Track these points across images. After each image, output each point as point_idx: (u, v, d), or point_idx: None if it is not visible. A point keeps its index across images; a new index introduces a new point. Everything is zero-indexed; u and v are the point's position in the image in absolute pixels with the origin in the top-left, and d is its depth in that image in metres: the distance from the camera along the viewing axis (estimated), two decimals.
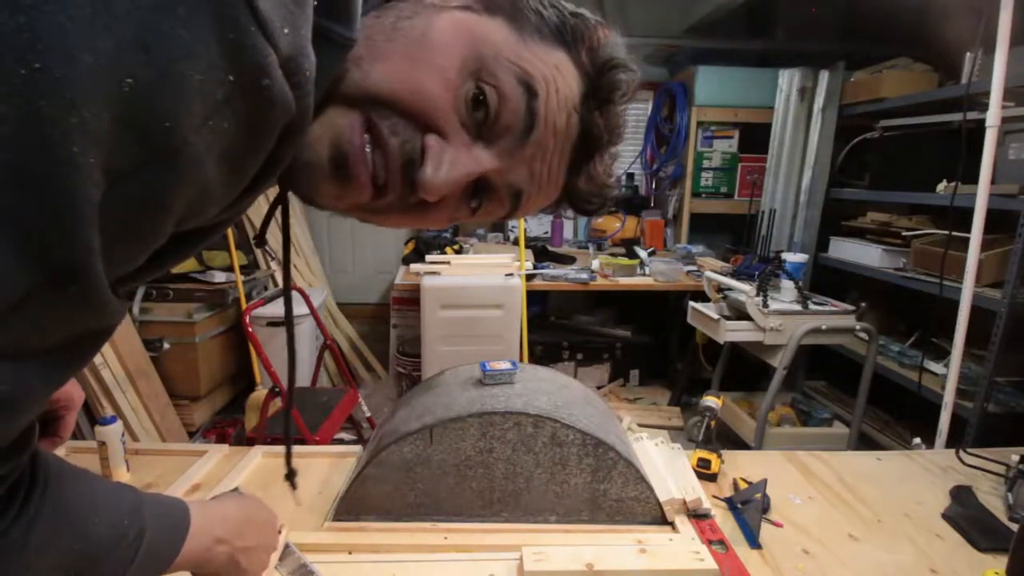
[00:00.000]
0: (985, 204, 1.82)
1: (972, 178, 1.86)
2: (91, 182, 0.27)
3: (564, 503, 0.91)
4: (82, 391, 0.66)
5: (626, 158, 3.73)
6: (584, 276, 2.87)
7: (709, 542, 0.86)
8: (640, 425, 1.30)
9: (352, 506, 0.90)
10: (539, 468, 0.89)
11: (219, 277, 2.71)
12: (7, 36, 0.24)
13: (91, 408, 2.15)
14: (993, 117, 1.75)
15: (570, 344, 3.27)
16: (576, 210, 0.54)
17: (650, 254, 3.23)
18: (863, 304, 2.34)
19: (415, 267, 2.67)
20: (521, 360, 2.40)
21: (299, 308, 2.16)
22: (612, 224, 3.66)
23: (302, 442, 1.91)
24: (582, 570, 0.77)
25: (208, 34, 0.28)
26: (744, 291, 2.32)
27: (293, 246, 3.22)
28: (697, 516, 0.92)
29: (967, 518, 0.95)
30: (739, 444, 2.49)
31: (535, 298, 3.20)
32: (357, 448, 1.13)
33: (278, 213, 0.52)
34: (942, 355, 2.30)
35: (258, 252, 3.07)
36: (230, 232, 2.77)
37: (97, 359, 2.16)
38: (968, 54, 2.26)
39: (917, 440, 1.90)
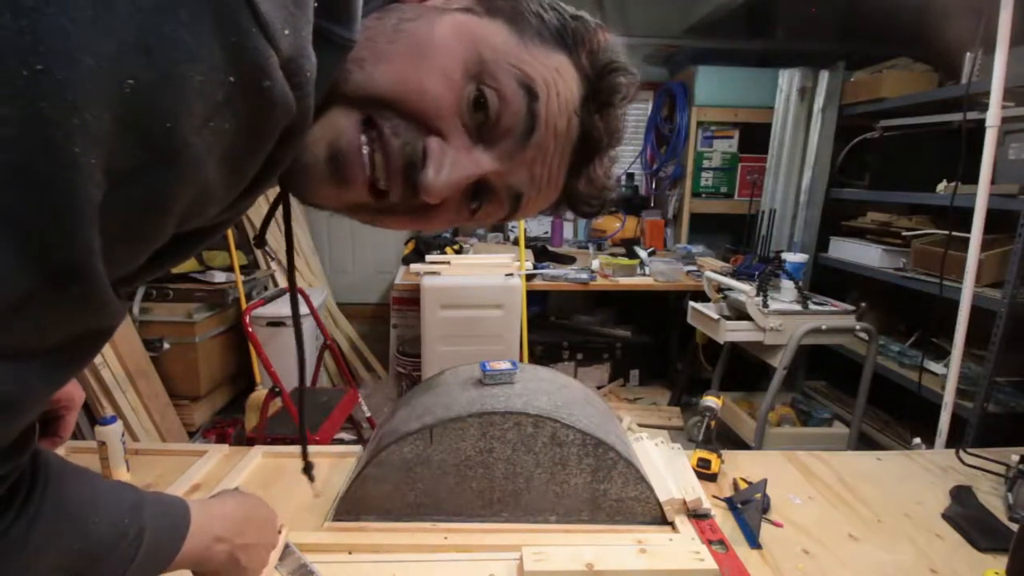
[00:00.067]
0: (985, 204, 1.82)
1: (972, 178, 1.86)
2: (93, 183, 0.27)
3: (564, 503, 0.91)
4: (82, 391, 0.66)
5: (626, 158, 3.74)
6: (584, 276, 2.87)
7: (709, 542, 0.86)
8: (640, 425, 1.31)
9: (352, 506, 0.90)
10: (539, 468, 0.89)
11: (219, 277, 2.71)
12: (9, 38, 0.24)
13: (91, 408, 2.15)
14: (993, 117, 1.75)
15: (570, 344, 3.27)
16: (575, 212, 0.54)
17: (650, 254, 3.24)
18: (863, 304, 2.34)
19: (415, 267, 2.67)
20: (521, 360, 2.40)
21: (299, 308, 2.15)
22: (612, 224, 3.66)
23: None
24: (582, 570, 0.77)
25: (209, 36, 0.28)
26: (744, 291, 2.32)
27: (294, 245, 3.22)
28: (697, 516, 0.92)
29: (967, 518, 0.95)
30: (739, 444, 2.49)
31: (535, 298, 3.20)
32: (357, 448, 1.13)
33: (278, 213, 0.52)
34: (942, 355, 2.30)
35: (258, 252, 3.07)
36: (230, 232, 2.77)
37: (97, 359, 2.16)
38: (968, 54, 2.26)
39: (917, 440, 1.90)
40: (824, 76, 3.01)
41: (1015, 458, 1.05)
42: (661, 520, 0.92)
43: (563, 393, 0.95)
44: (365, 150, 0.42)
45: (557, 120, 0.45)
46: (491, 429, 0.87)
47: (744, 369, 2.83)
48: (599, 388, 3.27)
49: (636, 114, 3.66)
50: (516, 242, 2.99)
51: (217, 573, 0.61)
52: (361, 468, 0.90)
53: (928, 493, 1.04)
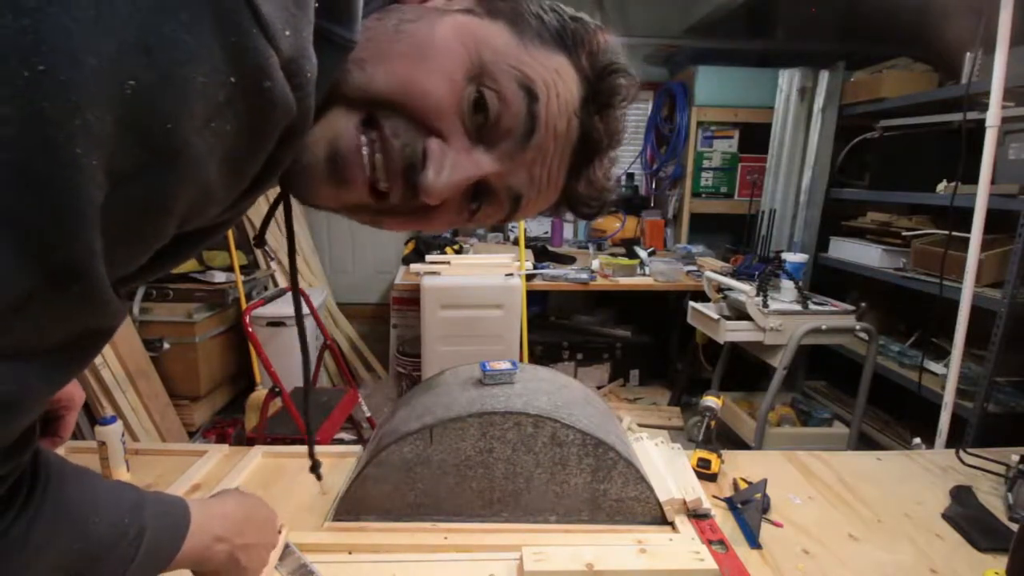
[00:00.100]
0: (985, 204, 1.82)
1: (972, 178, 1.86)
2: (94, 184, 0.27)
3: (564, 503, 0.91)
4: (82, 391, 0.66)
5: (626, 158, 3.74)
6: (584, 276, 2.87)
7: (709, 542, 0.86)
8: (640, 425, 1.31)
9: (352, 506, 0.90)
10: (539, 468, 0.89)
11: (219, 277, 2.71)
12: (11, 38, 0.24)
13: (91, 408, 2.15)
14: (993, 117, 1.75)
15: (570, 344, 3.27)
16: (575, 213, 0.54)
17: (650, 254, 3.24)
18: (863, 304, 2.34)
19: (415, 267, 2.67)
20: (521, 360, 2.41)
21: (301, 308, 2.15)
22: (612, 224, 3.66)
23: (302, 442, 1.91)
24: (582, 570, 0.77)
25: (210, 36, 0.28)
26: (744, 291, 2.32)
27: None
28: (697, 516, 0.92)
29: (967, 518, 0.95)
30: (739, 444, 2.49)
31: (535, 298, 3.20)
32: (357, 448, 1.13)
33: (278, 214, 0.52)
34: (942, 355, 2.30)
35: (258, 252, 3.07)
36: (230, 232, 2.77)
37: (97, 359, 2.16)
38: (968, 54, 2.26)
39: (917, 440, 1.90)
40: (824, 76, 3.01)
41: (1015, 458, 1.05)
42: (661, 520, 0.92)
43: (563, 393, 0.95)
44: (365, 151, 0.42)
45: (557, 121, 0.45)
46: (491, 429, 0.87)
47: (744, 369, 2.83)
48: (599, 388, 3.27)
49: (636, 114, 3.66)
50: (516, 242, 3.00)
51: (217, 573, 0.61)
52: (361, 468, 0.90)
53: (928, 493, 1.04)
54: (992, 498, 1.03)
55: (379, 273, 3.84)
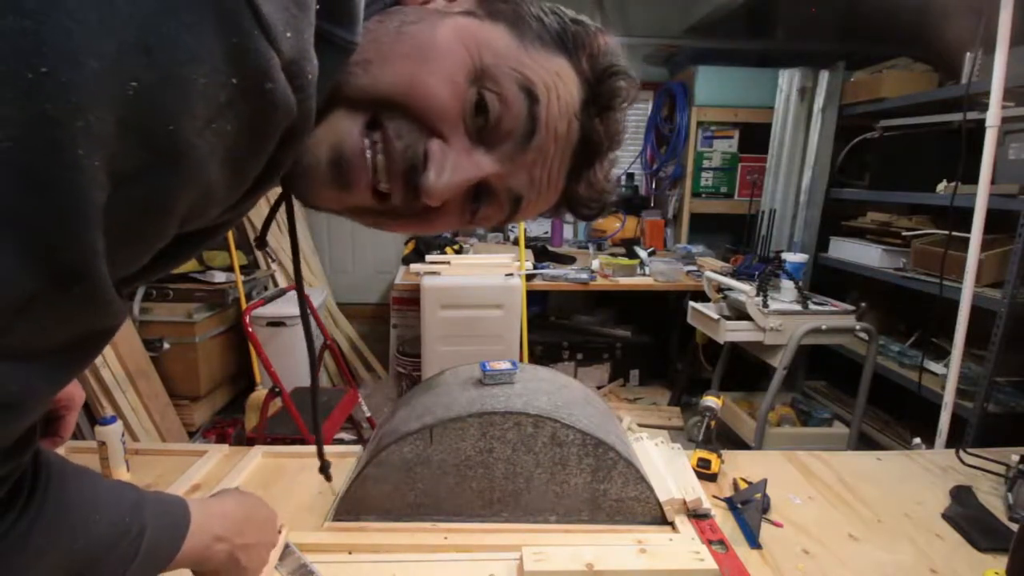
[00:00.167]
0: (985, 204, 1.82)
1: (972, 178, 1.86)
2: (96, 185, 0.27)
3: (564, 503, 0.91)
4: (82, 391, 0.66)
5: (626, 158, 3.74)
6: (584, 276, 2.87)
7: (709, 542, 0.86)
8: (640, 425, 1.31)
9: (352, 506, 0.90)
10: (539, 468, 0.89)
11: (219, 277, 2.71)
12: (14, 40, 0.24)
13: (91, 408, 2.16)
14: (993, 117, 1.75)
15: (570, 344, 3.27)
16: (575, 215, 0.54)
17: (650, 254, 3.24)
18: (863, 304, 2.34)
19: (415, 267, 2.67)
20: (521, 360, 2.41)
21: (298, 308, 2.15)
22: (612, 224, 3.66)
23: (302, 442, 1.91)
24: (582, 570, 0.77)
25: (211, 38, 0.28)
26: (744, 291, 2.32)
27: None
28: (697, 516, 0.92)
29: (967, 518, 0.95)
30: (739, 444, 2.49)
31: (535, 298, 3.20)
32: (357, 448, 1.13)
33: (279, 215, 0.53)
34: (942, 355, 2.30)
35: (258, 252, 3.07)
36: (230, 232, 2.77)
37: (97, 359, 2.16)
38: (968, 54, 2.26)
39: (917, 440, 1.90)
40: (824, 76, 3.01)
41: (1015, 458, 1.05)
42: (661, 520, 0.92)
43: (563, 393, 0.95)
44: (368, 153, 0.42)
45: (557, 123, 0.46)
46: (491, 429, 0.88)
47: (744, 369, 2.83)
48: (599, 388, 3.27)
49: (636, 114, 3.66)
50: (516, 242, 3.00)
51: (217, 572, 0.61)
52: (361, 468, 0.90)
53: (928, 493, 1.04)
54: (992, 498, 1.03)
55: (379, 273, 3.84)
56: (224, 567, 0.61)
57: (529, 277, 2.75)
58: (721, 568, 0.80)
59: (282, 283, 3.19)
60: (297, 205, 0.50)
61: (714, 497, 1.00)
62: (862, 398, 2.41)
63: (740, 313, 2.39)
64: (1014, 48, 1.71)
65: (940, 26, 2.31)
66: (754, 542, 0.89)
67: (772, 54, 3.26)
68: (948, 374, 1.95)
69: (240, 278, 2.75)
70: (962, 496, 1.01)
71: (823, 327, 2.24)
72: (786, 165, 3.17)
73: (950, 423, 1.93)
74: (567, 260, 3.22)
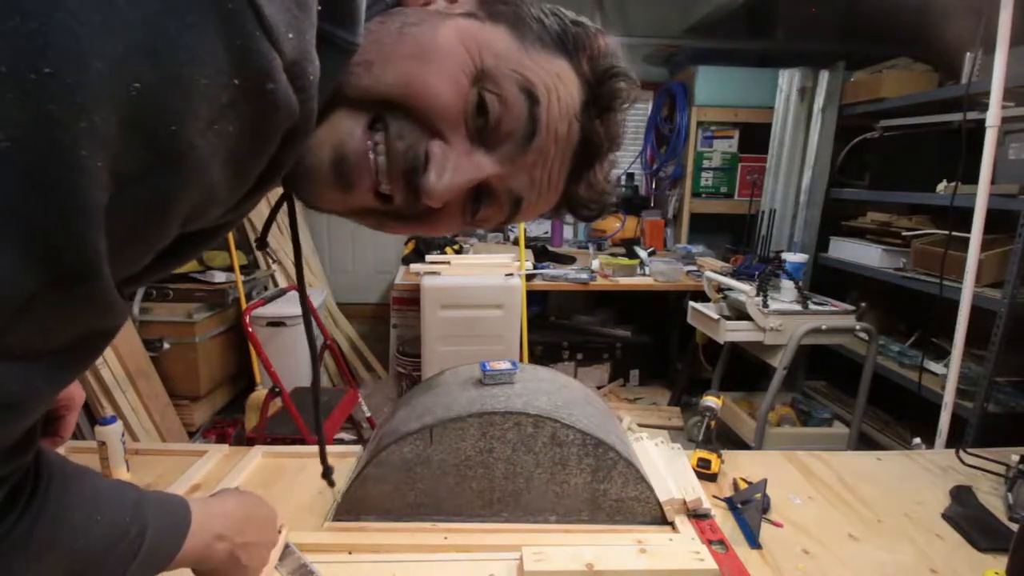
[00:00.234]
0: (985, 204, 1.82)
1: (972, 178, 1.86)
2: (99, 185, 0.27)
3: (564, 503, 0.91)
4: (83, 391, 0.66)
5: (626, 158, 3.74)
6: (584, 276, 2.87)
7: (709, 542, 0.86)
8: (640, 425, 1.31)
9: (352, 506, 0.90)
10: (539, 468, 0.89)
11: (219, 277, 2.71)
12: (18, 40, 0.24)
13: (91, 408, 2.16)
14: (993, 117, 1.75)
15: (570, 344, 3.27)
16: (575, 216, 0.55)
17: (650, 254, 3.24)
18: (863, 304, 2.34)
19: (415, 267, 2.67)
20: (521, 360, 2.41)
21: (299, 308, 2.15)
22: (612, 224, 3.66)
23: (302, 442, 1.91)
24: (582, 570, 0.77)
25: (214, 39, 0.28)
26: (744, 291, 2.32)
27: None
28: (697, 516, 0.92)
29: (967, 518, 0.95)
30: (739, 444, 2.50)
31: (535, 298, 3.20)
32: (357, 448, 1.13)
33: (280, 217, 0.53)
34: (942, 355, 2.30)
35: (258, 252, 3.07)
36: (230, 232, 2.77)
37: (97, 359, 2.16)
38: (968, 54, 2.26)
39: (917, 440, 1.90)
40: (824, 76, 3.01)
41: (1015, 458, 1.05)
42: (661, 520, 0.92)
43: (563, 393, 0.96)
44: (371, 155, 0.42)
45: (558, 125, 0.46)
46: (491, 429, 0.88)
47: (744, 369, 2.83)
48: (599, 388, 3.27)
49: (636, 114, 3.66)
50: (516, 242, 3.00)
51: (217, 571, 0.61)
52: (361, 468, 0.90)
53: (928, 493, 1.04)
54: (992, 498, 1.03)
55: (379, 273, 3.84)
56: (225, 566, 0.61)
57: (529, 277, 2.75)
58: (721, 568, 0.80)
59: (282, 283, 3.19)
60: (298, 205, 0.50)
61: (714, 497, 1.00)
62: (862, 398, 2.41)
63: (740, 313, 2.39)
64: (1014, 48, 1.71)
65: (940, 26, 2.31)
66: (754, 542, 0.89)
67: (772, 54, 3.26)
68: (948, 374, 1.95)
69: (240, 278, 2.75)
70: (962, 496, 1.01)
71: (823, 327, 2.24)
72: (786, 165, 3.17)
73: (950, 423, 1.93)
74: (567, 260, 3.22)
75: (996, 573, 0.81)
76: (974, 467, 1.13)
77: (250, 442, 1.95)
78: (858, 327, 2.30)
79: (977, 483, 1.07)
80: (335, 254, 3.81)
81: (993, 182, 1.83)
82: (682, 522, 0.91)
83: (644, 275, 2.96)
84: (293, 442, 1.93)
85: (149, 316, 2.56)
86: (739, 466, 1.11)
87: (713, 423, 1.13)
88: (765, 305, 2.27)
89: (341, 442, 2.38)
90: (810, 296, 2.40)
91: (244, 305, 2.56)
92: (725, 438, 2.58)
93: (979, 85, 2.04)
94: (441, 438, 0.87)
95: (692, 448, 1.10)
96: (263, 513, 0.70)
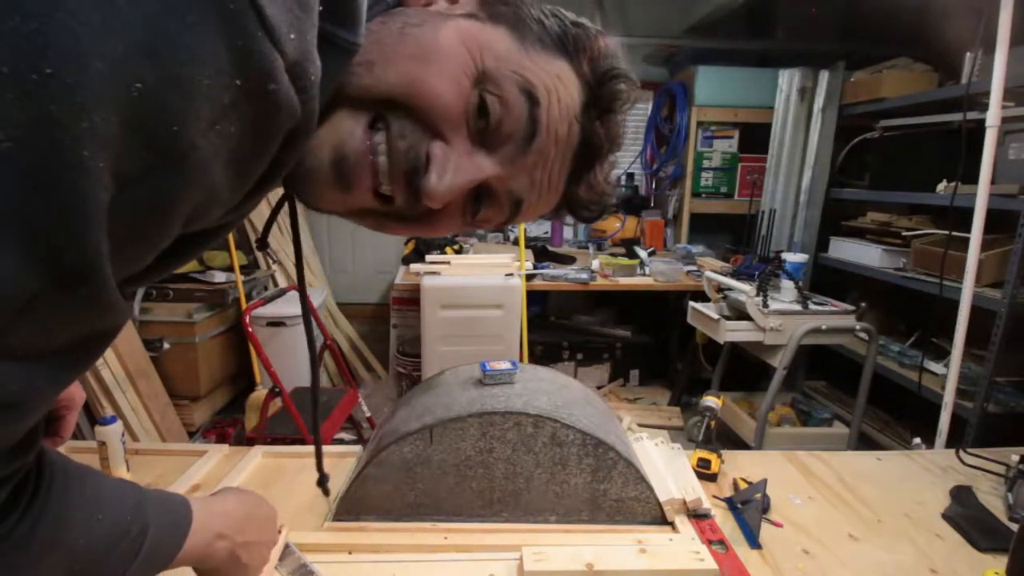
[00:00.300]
0: (985, 204, 1.82)
1: (972, 178, 1.86)
2: (100, 186, 0.27)
3: (564, 503, 0.91)
4: (83, 391, 0.66)
5: (626, 158, 3.74)
6: (584, 276, 2.87)
7: (709, 542, 0.86)
8: (640, 425, 1.31)
9: (352, 506, 0.90)
10: (539, 468, 0.89)
11: (219, 277, 2.71)
12: (19, 41, 0.24)
13: (91, 408, 2.16)
14: (993, 117, 1.75)
15: (570, 344, 3.27)
16: (575, 217, 0.55)
17: (650, 254, 3.24)
18: (863, 304, 2.34)
19: (415, 267, 2.67)
20: (521, 360, 2.41)
21: (299, 308, 2.15)
22: (612, 224, 3.66)
23: (302, 442, 1.91)
24: (582, 570, 0.77)
25: (216, 40, 0.28)
26: (744, 291, 2.32)
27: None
28: (697, 516, 0.92)
29: (967, 518, 0.95)
30: (739, 444, 2.50)
31: (535, 298, 3.20)
32: (357, 448, 1.13)
33: (280, 217, 0.53)
34: (942, 355, 2.30)
35: (258, 252, 3.07)
36: (230, 233, 2.77)
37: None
38: (968, 54, 2.26)
39: (917, 440, 1.90)
40: (824, 76, 3.01)
41: (1015, 458, 1.06)
42: (661, 520, 0.92)
43: (563, 393, 0.96)
44: (370, 156, 0.42)
45: (558, 126, 0.46)
46: (491, 429, 0.88)
47: (744, 369, 2.83)
48: (599, 388, 3.27)
49: (636, 114, 3.66)
50: (516, 242, 3.00)
51: (218, 570, 0.61)
52: (361, 468, 0.90)
53: (928, 493, 1.04)
54: (992, 498, 1.03)
55: (379, 273, 3.84)
56: (225, 565, 0.61)
57: (529, 277, 2.75)
58: (721, 568, 0.80)
59: (282, 283, 3.19)
60: (298, 206, 0.50)
61: (714, 497, 1.00)
62: (862, 398, 2.41)
63: (740, 313, 2.39)
64: (1014, 48, 1.71)
65: (940, 26, 2.31)
66: (754, 542, 0.89)
67: (772, 54, 3.26)
68: (948, 374, 1.95)
69: (240, 278, 2.75)
70: (962, 496, 1.02)
71: (823, 327, 2.24)
72: (786, 165, 3.17)
73: (950, 423, 1.93)
74: (567, 260, 3.22)
75: (996, 573, 0.81)
76: (974, 467, 1.13)
77: (250, 442, 1.95)
78: (858, 327, 2.30)
79: (977, 483, 1.07)
80: (335, 254, 3.81)
81: (993, 182, 1.83)
82: (682, 522, 0.91)
83: (644, 275, 2.96)
84: (293, 442, 1.93)
85: (149, 316, 2.56)
86: (739, 466, 1.11)
87: (713, 423, 1.13)
88: (765, 305, 2.27)
89: (341, 442, 2.38)
90: (810, 296, 2.40)
91: (244, 305, 2.56)
92: (725, 438, 2.58)
93: (979, 85, 2.04)
94: (441, 438, 0.87)
95: (692, 448, 1.10)
96: (264, 512, 0.70)
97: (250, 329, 1.98)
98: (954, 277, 2.09)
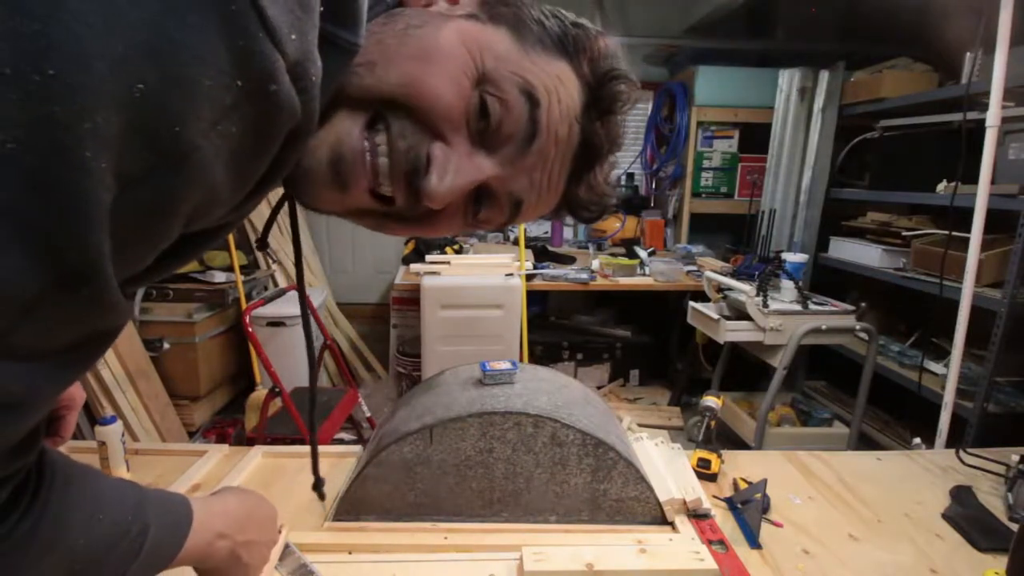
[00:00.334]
0: (985, 204, 1.82)
1: (972, 178, 1.86)
2: (102, 186, 0.27)
3: (564, 503, 0.91)
4: (83, 391, 0.66)
5: (626, 158, 3.74)
6: (584, 276, 2.87)
7: (709, 542, 0.86)
8: (640, 425, 1.31)
9: (352, 506, 0.90)
10: (539, 468, 0.89)
11: (219, 277, 2.71)
12: (22, 42, 0.24)
13: (91, 408, 2.16)
14: (993, 117, 1.75)
15: (570, 344, 3.27)
16: (575, 217, 0.55)
17: (650, 254, 3.24)
18: (863, 304, 2.34)
19: (415, 267, 2.67)
20: (521, 360, 2.41)
21: (299, 308, 2.14)
22: (612, 224, 3.66)
23: (302, 442, 1.91)
24: (582, 570, 0.77)
25: (217, 40, 0.28)
26: (744, 291, 2.32)
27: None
28: (697, 516, 0.92)
29: (967, 518, 0.96)
30: (739, 444, 2.50)
31: (535, 298, 3.20)
32: (357, 448, 1.13)
33: (280, 217, 0.53)
34: (942, 355, 2.30)
35: (258, 252, 3.07)
36: (230, 233, 2.77)
37: None
38: (968, 54, 2.26)
39: (917, 440, 1.90)
40: (824, 76, 3.01)
41: (1015, 458, 1.06)
42: (661, 520, 0.92)
43: (563, 393, 0.96)
44: (368, 156, 0.42)
45: (558, 127, 0.46)
46: (491, 429, 0.88)
47: (744, 369, 2.83)
48: (599, 388, 3.27)
49: (636, 114, 3.66)
50: (516, 242, 3.00)
51: (219, 570, 0.61)
52: (361, 468, 0.90)
53: (928, 493, 1.04)
54: (992, 498, 1.03)
55: (379, 273, 3.84)
56: (226, 564, 0.61)
57: (529, 277, 2.75)
58: (721, 568, 0.80)
59: (282, 283, 3.19)
60: (298, 206, 0.50)
61: (714, 497, 1.00)
62: (862, 398, 2.41)
63: (740, 313, 2.39)
64: (1014, 48, 1.71)
65: (940, 26, 2.31)
66: (754, 542, 0.89)
67: (772, 54, 3.26)
68: (948, 374, 1.95)
69: (240, 278, 2.75)
70: (962, 496, 1.02)
71: (823, 327, 2.24)
72: (786, 165, 3.17)
73: (950, 423, 1.93)
74: (567, 260, 3.22)
75: (996, 573, 0.81)
76: (974, 467, 1.13)
77: (250, 442, 1.95)
78: (858, 327, 2.30)
79: (977, 483, 1.07)
80: (335, 254, 3.81)
81: (993, 182, 1.83)
82: (682, 522, 0.91)
83: (644, 275, 2.96)
84: (293, 442, 1.93)
85: (149, 316, 2.56)
86: (739, 466, 1.11)
87: (713, 423, 1.13)
88: (765, 305, 2.27)
89: (341, 442, 2.38)
90: (810, 296, 2.40)
91: (244, 305, 2.56)
92: (725, 438, 2.58)
93: (979, 85, 2.04)
94: (441, 438, 0.87)
95: (692, 448, 1.10)
96: (264, 511, 0.70)
97: (250, 329, 1.98)
98: (954, 277, 2.09)
